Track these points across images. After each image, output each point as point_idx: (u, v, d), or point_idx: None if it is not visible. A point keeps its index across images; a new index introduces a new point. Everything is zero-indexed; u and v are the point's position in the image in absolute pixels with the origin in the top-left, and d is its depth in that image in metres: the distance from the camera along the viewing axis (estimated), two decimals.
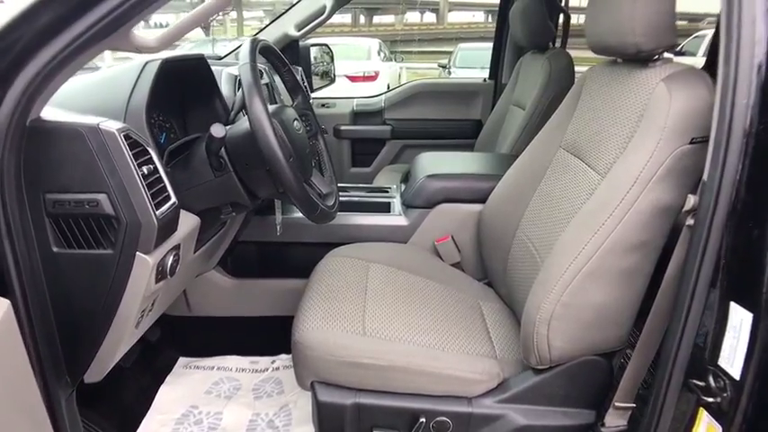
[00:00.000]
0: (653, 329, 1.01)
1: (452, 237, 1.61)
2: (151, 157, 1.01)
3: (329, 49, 2.88)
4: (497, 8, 2.68)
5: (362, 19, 34.69)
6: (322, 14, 2.31)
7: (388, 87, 9.11)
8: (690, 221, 0.90)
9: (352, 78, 8.42)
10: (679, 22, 1.07)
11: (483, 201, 1.55)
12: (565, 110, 1.35)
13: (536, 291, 1.08)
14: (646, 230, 0.98)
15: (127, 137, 0.95)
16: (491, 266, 1.50)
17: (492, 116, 2.42)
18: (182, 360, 1.76)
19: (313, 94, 2.69)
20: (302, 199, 1.10)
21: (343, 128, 2.68)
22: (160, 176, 1.02)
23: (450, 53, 10.90)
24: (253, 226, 1.66)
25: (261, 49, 1.20)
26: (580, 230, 1.04)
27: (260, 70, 1.39)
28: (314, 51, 2.79)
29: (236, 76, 1.51)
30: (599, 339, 1.07)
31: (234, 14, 28.52)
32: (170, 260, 1.06)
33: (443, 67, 10.24)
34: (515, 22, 2.14)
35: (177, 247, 1.10)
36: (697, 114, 0.94)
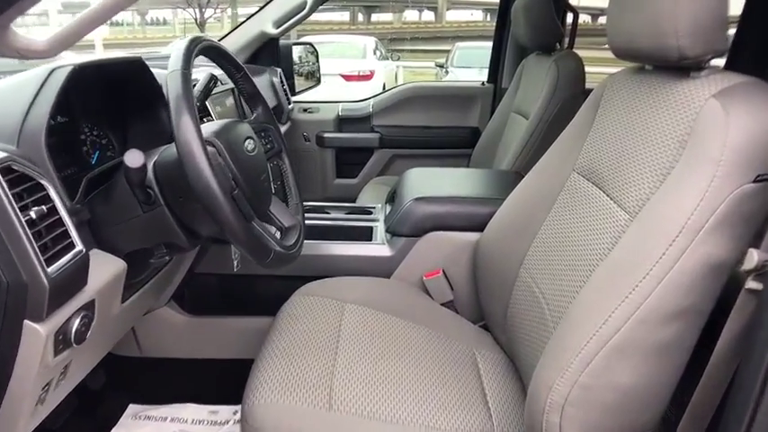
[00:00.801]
0: (696, 416, 0.78)
1: (444, 271, 1.38)
2: (47, 194, 0.78)
3: (314, 48, 2.66)
4: (497, 7, 2.45)
5: (361, 17, 34.50)
6: (302, 10, 2.07)
7: (384, 87, 8.88)
8: (754, 284, 0.67)
9: (347, 77, 8.19)
10: None
11: (480, 229, 1.33)
12: (579, 125, 1.12)
13: (547, 364, 0.85)
14: (690, 294, 0.75)
15: (7, 170, 0.72)
16: (489, 308, 1.28)
17: (491, 124, 2.19)
18: (131, 408, 1.52)
19: (295, 98, 2.46)
20: (247, 243, 0.86)
21: (326, 135, 2.44)
22: (60, 218, 0.79)
23: (447, 52, 10.66)
24: (211, 256, 1.43)
25: (204, 51, 0.97)
26: (605, 291, 0.80)
27: (214, 77, 1.15)
28: (298, 51, 2.56)
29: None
30: (623, 426, 0.84)
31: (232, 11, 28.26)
32: (75, 324, 0.82)
33: (441, 66, 10.00)
34: (518, 21, 1.91)
35: (89, 306, 0.86)
36: (765, 143, 0.71)
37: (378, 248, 1.43)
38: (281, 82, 2.25)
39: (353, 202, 2.18)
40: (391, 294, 1.32)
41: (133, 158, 0.80)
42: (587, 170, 1.04)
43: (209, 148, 0.88)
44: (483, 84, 2.47)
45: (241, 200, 0.89)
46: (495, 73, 2.43)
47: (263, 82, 2.12)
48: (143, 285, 1.10)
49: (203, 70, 1.28)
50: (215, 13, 27.80)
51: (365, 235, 1.50)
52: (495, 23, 2.47)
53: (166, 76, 0.84)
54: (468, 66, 8.72)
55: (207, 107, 1.35)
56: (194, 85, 1.08)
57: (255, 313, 1.48)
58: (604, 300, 0.79)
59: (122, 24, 34.02)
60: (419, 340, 1.14)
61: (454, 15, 34.67)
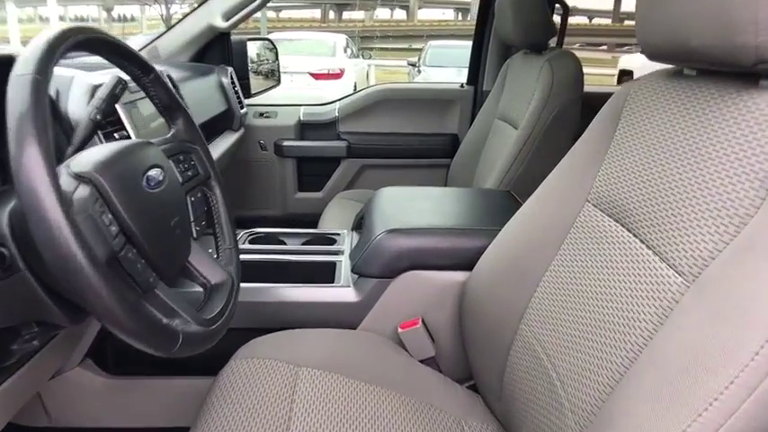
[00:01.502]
0: None
1: (423, 320, 1.12)
2: None
3: (273, 44, 2.37)
4: (469, 6, 2.19)
5: (332, 14, 34.15)
6: (254, 2, 1.79)
7: (355, 86, 8.60)
8: None
9: (316, 76, 7.88)
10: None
11: (468, 267, 1.08)
12: (592, 142, 0.88)
13: None
14: None
15: None
16: (480, 367, 1.02)
17: (472, 131, 1.94)
18: None
19: (251, 100, 2.17)
20: (135, 332, 0.58)
21: (286, 143, 2.15)
22: None
23: (420, 50, 10.42)
24: None
25: (84, 46, 0.68)
26: (662, 400, 0.54)
27: (122, 81, 0.86)
28: (255, 48, 2.27)
29: (95, 86, 0.98)
30: None
31: None
32: None
33: (413, 65, 9.75)
34: (504, 16, 1.65)
35: None
36: None
37: (341, 293, 1.15)
38: (233, 83, 1.96)
39: (318, 217, 1.91)
40: (358, 352, 1.05)
41: None
42: (607, 202, 0.80)
43: (81, 191, 0.60)
44: (462, 86, 2.20)
45: (132, 264, 0.61)
46: (475, 74, 2.17)
47: (210, 83, 1.83)
48: (19, 368, 0.81)
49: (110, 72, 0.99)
50: (181, 8, 27.03)
51: (326, 274, 1.22)
52: (467, 23, 2.23)
53: (9, 81, 0.56)
54: (442, 65, 8.50)
55: (121, 119, 1.06)
56: (99, 115, 0.79)
57: (192, 373, 1.20)
58: (663, 416, 0.53)
59: (87, 20, 32.94)
60: (393, 412, 0.89)
61: (426, 14, 34.53)
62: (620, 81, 10.93)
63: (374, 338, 1.11)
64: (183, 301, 0.70)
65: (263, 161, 2.17)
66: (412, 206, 1.26)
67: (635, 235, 0.73)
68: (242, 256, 1.29)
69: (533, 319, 0.88)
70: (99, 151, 0.66)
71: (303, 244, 1.44)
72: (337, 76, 8.02)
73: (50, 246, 0.51)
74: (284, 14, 35.81)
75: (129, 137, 1.03)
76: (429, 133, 2.19)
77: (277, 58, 2.39)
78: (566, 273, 0.84)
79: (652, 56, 0.76)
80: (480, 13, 2.10)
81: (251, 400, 0.87)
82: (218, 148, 1.79)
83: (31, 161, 0.52)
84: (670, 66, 0.79)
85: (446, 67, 8.27)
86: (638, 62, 10.59)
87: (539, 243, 0.91)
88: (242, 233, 1.44)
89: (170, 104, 0.86)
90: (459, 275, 1.10)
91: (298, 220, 2.25)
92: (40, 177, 0.52)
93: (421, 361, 1.10)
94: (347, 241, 1.35)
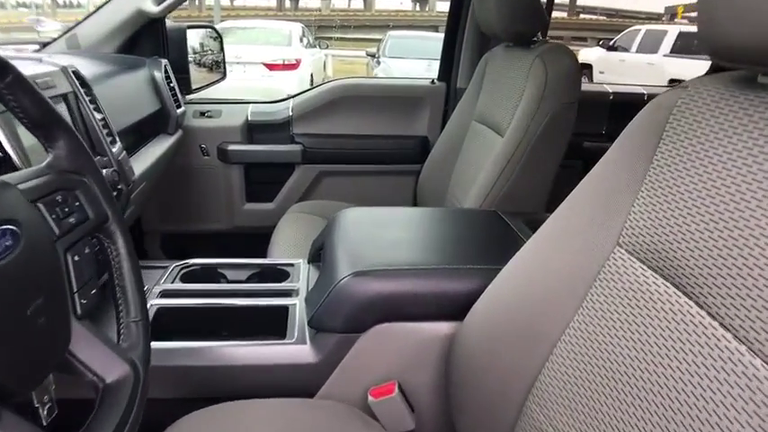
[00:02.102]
0: None
1: (400, 385, 0.89)
2: None
3: (217, 33, 2.09)
4: None
5: (288, 3, 33.46)
6: None
7: (312, 78, 8.29)
8: None
9: (270, 66, 7.52)
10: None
11: (457, 317, 0.86)
12: (622, 165, 0.67)
13: None
14: None
15: None
16: None
17: (445, 134, 1.71)
18: None
19: (190, 97, 1.89)
20: None
21: (231, 147, 1.86)
22: None
23: (379, 41, 10.14)
24: None
25: None
26: None
27: None
28: (196, 37, 1.99)
29: None
30: None
31: None
32: None
33: (372, 55, 9.45)
34: (485, 2, 1.42)
35: None
36: None
37: (295, 352, 0.91)
38: (167, 77, 1.68)
39: (270, 230, 1.65)
40: (318, 428, 0.82)
41: None
42: (645, 248, 0.59)
43: None
44: (433, 82, 1.95)
45: None
46: (448, 69, 1.92)
47: (139, 79, 1.55)
48: None
49: None
50: None
51: (276, 324, 0.98)
52: (425, 13, 1.98)
53: None
54: (402, 56, 8.24)
55: None
56: None
57: None
58: None
59: (29, 6, 31.20)
60: None
61: (383, 4, 34.15)
62: None
63: (338, 409, 0.87)
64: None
65: (205, 168, 1.88)
66: (381, 236, 1.02)
67: (685, 294, 0.52)
68: (169, 302, 1.03)
69: (546, 395, 0.66)
70: None
71: (248, 278, 1.19)
72: (293, 66, 7.67)
73: None
74: (239, 2, 34.89)
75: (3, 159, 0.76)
76: (395, 135, 1.94)
77: (222, 49, 2.10)
78: (590, 337, 0.63)
79: (722, 57, 0.55)
80: (454, 0, 1.86)
81: None
82: (149, 156, 1.51)
83: None
84: (733, 70, 0.59)
85: (407, 58, 8.00)
86: (594, 55, 10.62)
87: (554, 295, 0.69)
88: (172, 266, 1.18)
89: (43, 120, 0.59)
90: (445, 327, 0.88)
91: (246, 234, 1.98)
92: None
93: None
94: (302, 276, 1.11)
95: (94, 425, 0.52)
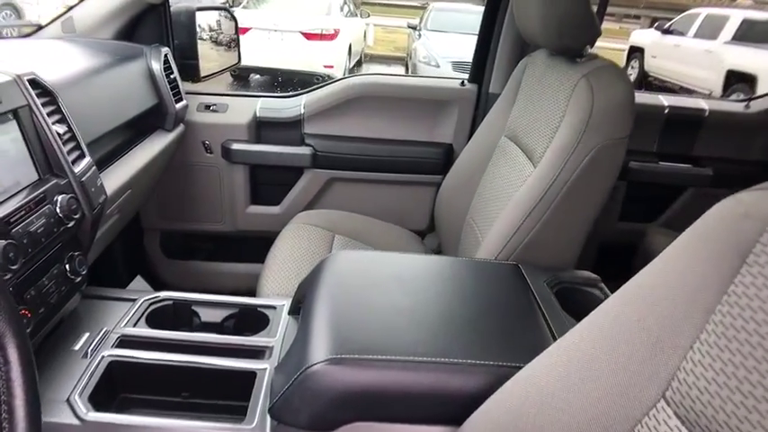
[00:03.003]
0: None
1: None
2: None
3: (231, 14, 1.91)
4: None
5: None
6: None
7: (350, 48, 8.02)
8: None
9: (308, 36, 7.28)
10: None
11: (453, 421, 0.70)
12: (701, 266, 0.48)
13: None
14: None
15: None
16: None
17: (473, 145, 1.51)
18: None
19: (195, 87, 1.74)
20: None
21: (235, 147, 1.69)
22: None
23: (423, 11, 9.73)
24: None
25: None
26: None
27: None
28: (208, 19, 1.82)
29: None
30: None
31: None
32: None
33: (413, 27, 9.06)
34: (525, 6, 1.20)
35: None
36: None
37: None
38: (168, 68, 1.52)
39: (275, 236, 1.51)
40: None
41: None
42: (690, 409, 0.42)
43: None
44: (463, 83, 1.73)
45: None
46: (480, 70, 1.70)
47: (134, 71, 1.39)
48: None
49: None
50: None
51: (240, 392, 0.83)
52: None
53: None
54: (443, 29, 7.87)
55: None
56: None
57: None
58: None
59: None
60: None
61: None
62: (629, 58, 10.31)
63: None
64: None
65: (207, 166, 1.73)
66: (373, 300, 0.85)
67: None
68: (126, 353, 0.90)
69: None
70: None
71: (224, 320, 1.05)
72: (331, 37, 7.41)
73: None
74: None
75: None
76: (416, 141, 1.74)
77: (237, 32, 1.93)
78: None
79: None
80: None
81: None
82: (144, 154, 1.37)
83: None
84: None
85: (448, 32, 7.64)
86: (648, 38, 9.98)
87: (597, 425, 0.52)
88: (141, 300, 1.04)
89: None
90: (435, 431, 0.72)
91: (248, 238, 1.84)
92: None
93: None
94: (280, 329, 0.96)
95: None
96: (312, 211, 1.65)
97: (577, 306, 0.91)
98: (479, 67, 1.70)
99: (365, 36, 10.03)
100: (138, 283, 1.88)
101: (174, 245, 1.87)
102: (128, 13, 1.52)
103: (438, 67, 6.90)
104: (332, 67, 7.39)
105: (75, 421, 0.78)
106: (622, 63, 10.06)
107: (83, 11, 1.48)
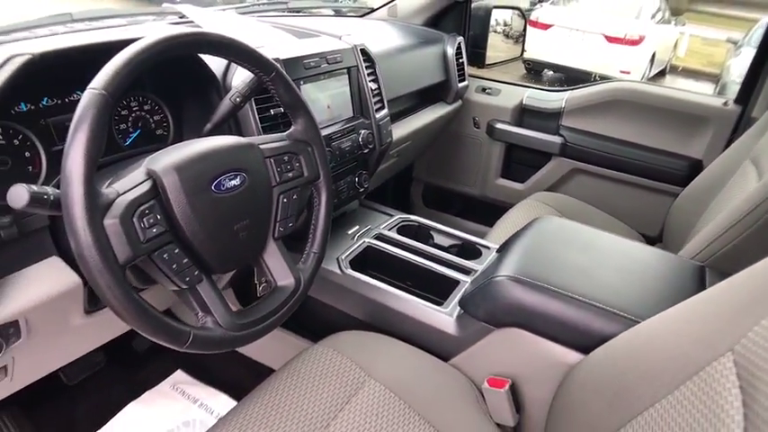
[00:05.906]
0: None
1: (513, 385, 0.99)
2: None
3: (522, 13, 2.22)
4: None
5: None
6: None
7: (653, 58, 7.60)
8: None
9: (610, 39, 7.16)
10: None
11: (583, 350, 0.90)
12: None
13: None
14: None
15: None
16: None
17: (717, 164, 1.54)
18: (177, 375, 1.47)
19: (479, 72, 2.09)
20: (141, 328, 0.64)
21: (499, 126, 2.01)
22: None
23: (752, 23, 8.55)
24: None
25: (189, 48, 0.71)
26: None
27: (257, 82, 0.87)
28: (501, 16, 2.17)
29: None
30: None
31: None
32: None
33: (734, 43, 8.11)
34: None
35: (11, 326, 0.74)
36: None
37: (443, 321, 1.08)
38: (459, 53, 1.89)
39: (510, 208, 1.78)
40: (440, 386, 0.99)
41: (17, 196, 0.59)
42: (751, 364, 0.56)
43: (135, 192, 0.64)
44: (726, 104, 1.74)
45: (169, 262, 0.66)
46: (747, 92, 1.68)
47: (433, 53, 1.80)
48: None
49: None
50: None
51: (445, 291, 1.16)
52: None
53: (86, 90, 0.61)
54: None
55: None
56: (239, 98, 0.85)
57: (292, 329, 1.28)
58: None
59: None
60: None
61: None
62: None
63: (460, 381, 1.03)
64: (220, 301, 0.73)
65: (473, 138, 2.09)
66: (557, 252, 1.08)
67: None
68: (378, 244, 1.29)
69: None
70: (179, 152, 0.70)
71: (449, 246, 1.38)
72: (634, 42, 7.16)
73: (73, 246, 0.58)
74: None
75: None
76: (665, 151, 1.82)
77: (525, 28, 2.23)
78: (665, 425, 0.64)
79: None
80: None
81: (311, 389, 0.91)
82: (425, 117, 1.78)
83: (72, 168, 0.57)
84: None
85: None
86: None
87: (661, 366, 0.69)
88: (396, 216, 1.44)
89: (292, 103, 0.86)
90: (570, 356, 0.93)
91: (490, 205, 2.15)
92: (75, 186, 0.57)
93: (498, 425, 0.99)
94: (487, 262, 1.25)
95: (253, 310, 0.79)
96: (549, 193, 1.86)
97: None
98: (747, 89, 1.68)
99: (675, 46, 9.32)
100: None
101: (433, 197, 2.30)
102: (437, 5, 1.93)
103: None
104: (629, 72, 7.16)
105: (338, 271, 1.20)
106: None
107: (405, 1, 1.93)
